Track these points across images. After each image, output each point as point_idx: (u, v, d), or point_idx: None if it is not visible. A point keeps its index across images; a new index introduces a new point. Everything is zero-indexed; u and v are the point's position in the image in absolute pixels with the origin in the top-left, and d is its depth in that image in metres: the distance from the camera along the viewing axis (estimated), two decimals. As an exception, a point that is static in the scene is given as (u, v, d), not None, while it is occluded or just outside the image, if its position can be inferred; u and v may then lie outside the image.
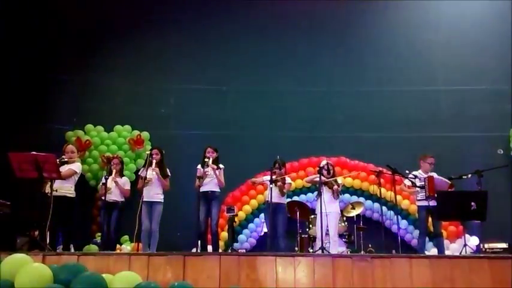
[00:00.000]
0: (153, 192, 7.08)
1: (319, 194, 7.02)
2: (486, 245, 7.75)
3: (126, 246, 8.87)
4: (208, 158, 7.11)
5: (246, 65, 10.81)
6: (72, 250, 7.06)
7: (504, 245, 8.01)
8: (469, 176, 7.00)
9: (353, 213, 8.53)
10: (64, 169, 6.67)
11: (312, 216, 8.18)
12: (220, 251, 7.74)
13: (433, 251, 8.20)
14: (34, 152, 6.02)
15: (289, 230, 7.78)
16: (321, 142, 10.07)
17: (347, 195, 9.51)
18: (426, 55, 10.70)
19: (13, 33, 9.73)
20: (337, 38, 11.01)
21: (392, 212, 8.78)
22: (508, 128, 9.65)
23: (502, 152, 9.63)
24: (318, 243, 6.91)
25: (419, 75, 10.59)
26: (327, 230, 7.15)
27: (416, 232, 8.33)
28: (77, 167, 6.96)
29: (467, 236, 7.83)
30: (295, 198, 9.25)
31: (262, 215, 9.04)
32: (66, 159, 6.83)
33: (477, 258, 4.91)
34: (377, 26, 11.06)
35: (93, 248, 8.53)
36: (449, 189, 7.15)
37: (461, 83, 10.35)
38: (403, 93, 10.42)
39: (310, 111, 10.54)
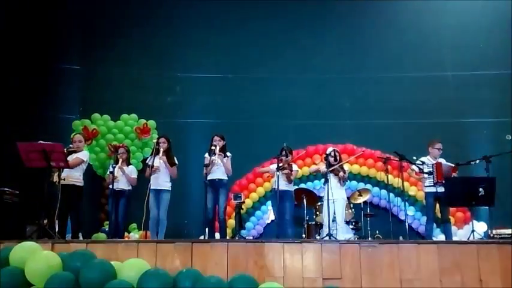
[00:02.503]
0: (161, 180, 7.09)
1: (326, 181, 7.01)
2: (494, 231, 7.73)
3: (134, 234, 8.92)
4: (215, 146, 7.11)
5: (253, 52, 10.75)
6: (81, 238, 7.12)
7: (512, 231, 7.99)
8: (477, 161, 6.98)
9: (360, 200, 8.52)
10: (72, 158, 6.71)
11: (319, 203, 8.19)
12: (227, 238, 7.77)
13: (440, 237, 8.19)
14: (41, 142, 6.05)
15: (296, 217, 7.80)
16: (328, 129, 10.03)
17: (354, 182, 9.52)
18: (433, 40, 10.59)
19: (19, 23, 9.73)
20: (343, 24, 10.92)
21: (399, 199, 8.80)
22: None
23: (510, 137, 9.56)
24: (325, 230, 6.92)
25: (426, 60, 10.49)
26: (334, 217, 7.15)
27: (424, 218, 8.32)
28: (84, 155, 7.00)
29: (475, 222, 7.82)
30: (302, 185, 9.25)
31: (269, 203, 9.06)
32: (74, 149, 6.87)
33: (485, 244, 4.89)
34: (383, 11, 10.95)
35: (102, 236, 8.59)
36: (452, 173, 7.12)
37: (469, 68, 10.25)
38: (411, 79, 10.34)
39: (317, 99, 10.49)
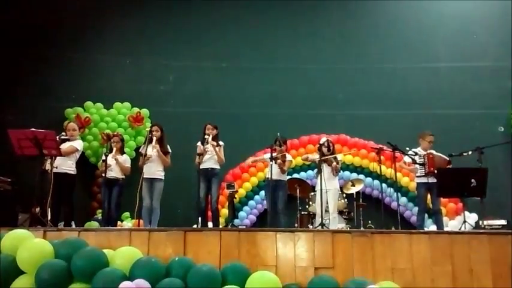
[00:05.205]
0: (154, 169, 7.07)
1: (319, 171, 7.02)
2: (485, 222, 7.79)
3: (127, 223, 8.91)
4: (208, 135, 7.10)
5: (246, 42, 10.73)
6: (73, 226, 7.10)
7: (503, 222, 8.05)
8: (470, 153, 6.99)
9: (353, 190, 8.54)
10: (65, 146, 6.67)
11: (312, 193, 8.21)
12: (220, 227, 7.77)
13: (432, 227, 8.24)
14: (33, 129, 6.00)
15: (289, 207, 7.81)
16: (322, 120, 10.05)
17: (347, 172, 9.55)
18: (428, 32, 10.60)
19: (12, 10, 9.63)
20: (339, 15, 10.91)
21: (392, 189, 8.83)
22: (509, 105, 9.61)
23: (502, 129, 9.61)
24: (318, 220, 6.94)
25: (420, 52, 10.51)
26: (327, 207, 7.18)
27: (416, 209, 8.37)
28: (78, 144, 6.97)
29: (466, 213, 7.87)
30: (295, 175, 9.26)
31: (262, 192, 9.07)
32: (67, 137, 6.82)
33: (476, 234, 4.92)
34: (379, 3, 10.92)
35: (94, 224, 8.57)
36: (447, 166, 7.16)
37: (462, 60, 10.28)
38: (404, 70, 10.36)
39: (311, 89, 10.49)
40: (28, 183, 6.19)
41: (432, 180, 7.03)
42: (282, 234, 4.79)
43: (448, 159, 7.19)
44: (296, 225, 8.12)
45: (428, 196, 7.33)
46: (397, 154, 7.20)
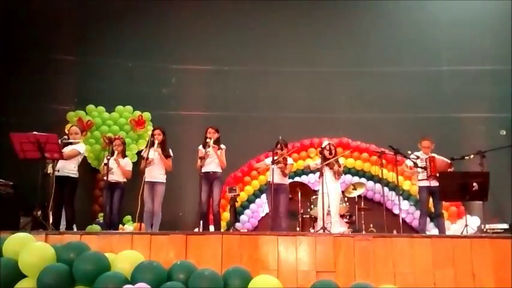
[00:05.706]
0: (156, 173, 7.07)
1: (321, 175, 7.01)
2: (487, 225, 7.77)
3: (129, 227, 8.90)
4: (210, 139, 7.09)
5: (248, 45, 10.73)
6: (75, 230, 7.10)
7: (505, 226, 8.03)
8: (471, 156, 7.00)
9: (354, 193, 8.53)
10: (68, 149, 6.68)
11: (314, 197, 8.20)
12: (222, 231, 7.76)
13: (434, 231, 8.23)
14: (35, 133, 6.01)
15: (291, 211, 7.81)
16: (323, 123, 10.05)
17: (349, 176, 9.53)
18: (430, 35, 10.59)
19: (14, 13, 9.65)
20: (340, 18, 10.91)
21: (394, 193, 8.82)
22: (511, 108, 9.58)
23: (504, 132, 9.59)
24: (320, 224, 6.93)
25: (422, 55, 10.50)
26: (329, 211, 7.17)
27: (418, 213, 8.35)
28: (81, 147, 6.97)
29: (468, 216, 7.86)
30: (297, 178, 9.25)
31: (264, 196, 9.07)
32: (70, 140, 6.83)
33: (478, 238, 4.91)
34: (380, 6, 10.93)
35: (96, 228, 8.57)
36: (448, 170, 7.15)
37: (464, 63, 10.26)
38: (406, 74, 10.35)
39: (313, 92, 10.48)
40: (30, 187, 6.20)
41: (434, 184, 7.03)
42: (284, 238, 4.79)
43: (449, 162, 7.20)
44: (298, 229, 8.11)
45: (431, 200, 7.32)
46: (399, 158, 7.21)
